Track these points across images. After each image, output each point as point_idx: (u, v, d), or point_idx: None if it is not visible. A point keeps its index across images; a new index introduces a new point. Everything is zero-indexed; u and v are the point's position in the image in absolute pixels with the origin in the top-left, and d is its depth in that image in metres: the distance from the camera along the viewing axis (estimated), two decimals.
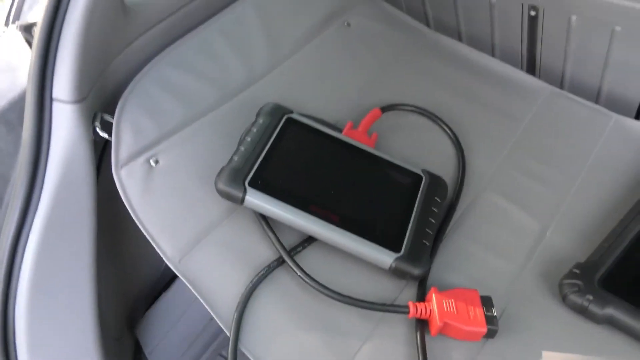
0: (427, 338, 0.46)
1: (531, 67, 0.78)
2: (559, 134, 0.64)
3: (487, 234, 0.55)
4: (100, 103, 0.55)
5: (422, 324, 0.47)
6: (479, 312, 0.46)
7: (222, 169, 0.50)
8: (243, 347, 0.45)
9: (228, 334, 0.46)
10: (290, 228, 0.50)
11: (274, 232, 0.50)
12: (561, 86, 0.76)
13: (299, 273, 0.48)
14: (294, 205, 0.49)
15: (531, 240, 0.54)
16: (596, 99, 0.74)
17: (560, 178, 0.59)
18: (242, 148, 0.52)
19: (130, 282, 0.74)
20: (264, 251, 0.50)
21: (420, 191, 0.54)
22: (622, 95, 0.71)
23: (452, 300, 0.46)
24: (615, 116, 0.65)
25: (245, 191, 0.49)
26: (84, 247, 0.50)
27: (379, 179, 0.54)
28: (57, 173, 0.48)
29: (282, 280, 0.49)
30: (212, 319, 0.75)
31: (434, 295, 0.47)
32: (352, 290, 0.48)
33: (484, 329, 0.45)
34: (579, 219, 0.56)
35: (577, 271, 0.49)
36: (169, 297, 0.77)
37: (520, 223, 0.55)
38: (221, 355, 0.71)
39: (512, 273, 0.52)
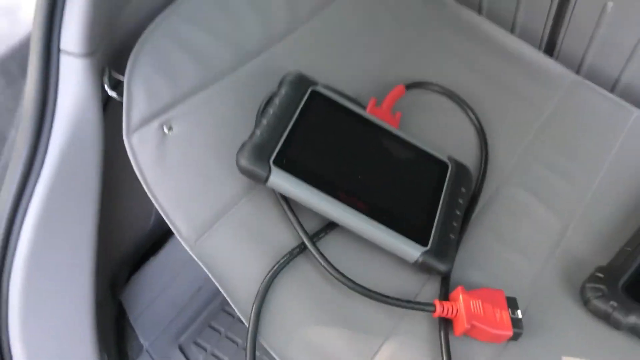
0: (450, 337, 0.45)
1: (549, 50, 0.76)
2: (581, 126, 0.62)
3: (508, 229, 0.53)
4: (108, 58, 0.49)
5: (446, 323, 0.45)
6: (505, 314, 0.45)
7: (244, 144, 0.46)
8: (262, 339, 0.43)
9: (246, 324, 0.43)
10: (310, 211, 0.47)
11: (296, 217, 0.47)
12: (577, 72, 0.74)
13: (323, 264, 0.45)
14: (321, 189, 0.46)
15: (552, 238, 0.53)
16: (612, 89, 0.72)
17: (581, 174, 0.58)
18: (264, 121, 0.48)
19: (114, 243, 0.70)
20: (284, 236, 0.47)
21: (446, 180, 0.52)
22: (639, 89, 0.70)
23: (479, 301, 0.45)
24: (636, 112, 0.64)
25: (270, 170, 0.45)
26: (87, 216, 0.46)
27: (405, 164, 0.51)
28: (64, 134, 0.43)
29: (304, 268, 0.46)
30: (200, 288, 0.73)
31: (461, 296, 0.45)
32: (371, 281, 0.46)
33: (510, 332, 0.44)
34: (599, 218, 0.55)
35: (601, 275, 0.48)
36: (156, 262, 0.74)
37: (541, 219, 0.54)
38: (210, 327, 0.68)
39: (533, 272, 0.50)
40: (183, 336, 0.67)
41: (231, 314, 0.69)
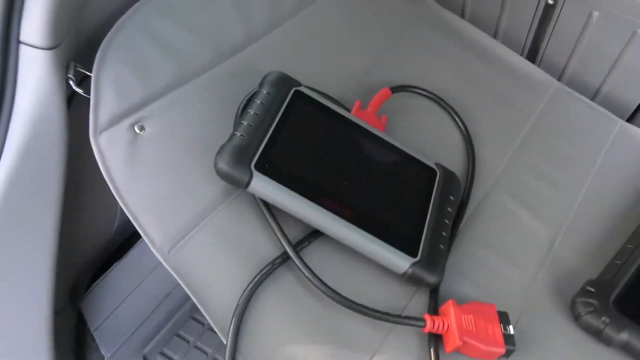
0: (440, 354, 0.43)
1: (532, 57, 0.75)
2: (566, 134, 0.61)
3: (497, 239, 0.51)
4: (74, 51, 0.45)
5: (436, 339, 0.43)
6: (497, 330, 0.43)
7: (223, 147, 0.43)
8: (241, 357, 0.40)
9: (224, 341, 0.40)
10: (293, 218, 0.44)
11: (278, 225, 0.44)
12: (559, 79, 0.73)
13: (307, 275, 0.42)
14: (305, 195, 0.43)
15: (542, 248, 0.51)
16: (593, 97, 0.72)
17: (568, 182, 0.57)
18: (244, 122, 0.45)
19: (75, 248, 0.65)
20: (266, 245, 0.44)
21: (435, 188, 0.50)
22: (620, 97, 0.70)
23: (471, 316, 0.43)
24: (620, 122, 0.64)
25: (251, 175, 0.42)
26: (47, 219, 0.42)
27: (392, 170, 0.49)
28: (22, 131, 0.39)
29: (286, 280, 0.43)
30: (167, 295, 0.69)
31: (452, 310, 0.43)
32: (357, 293, 0.44)
33: (502, 350, 0.42)
34: (587, 228, 0.54)
35: (592, 289, 0.47)
36: (120, 268, 0.70)
37: (530, 229, 0.52)
38: (178, 336, 0.65)
39: (524, 283, 0.49)
40: (148, 346, 0.63)
41: (201, 322, 0.65)
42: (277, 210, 0.44)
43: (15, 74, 0.38)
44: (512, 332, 0.43)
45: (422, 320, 0.42)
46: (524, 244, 0.52)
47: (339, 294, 0.42)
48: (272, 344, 0.40)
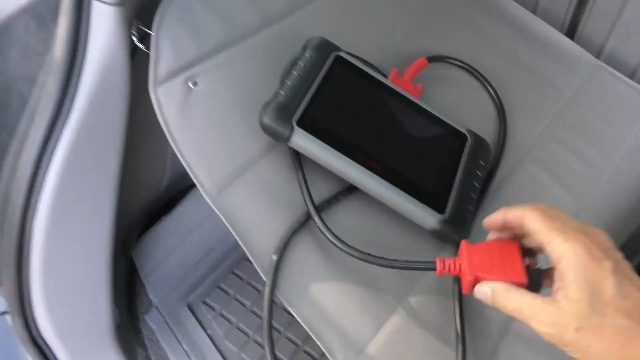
0: (464, 298, 0.45)
1: (571, 33, 0.75)
2: (600, 110, 0.62)
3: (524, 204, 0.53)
4: (136, 10, 0.49)
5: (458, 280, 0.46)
6: (517, 263, 0.39)
7: (267, 103, 0.47)
8: (278, 293, 0.44)
9: (264, 277, 0.44)
10: (330, 173, 0.48)
11: (307, 185, 0.47)
12: (597, 57, 0.74)
13: (327, 235, 0.45)
14: (341, 151, 0.47)
15: None
16: (631, 75, 0.72)
17: (599, 157, 0.58)
18: (288, 82, 0.48)
19: (128, 199, 0.70)
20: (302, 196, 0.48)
21: (465, 151, 0.52)
22: None
23: (487, 252, 0.40)
24: None
25: (292, 130, 0.45)
26: (110, 165, 0.47)
27: (425, 132, 0.52)
28: (92, 81, 0.43)
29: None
30: (211, 250, 0.73)
31: (465, 248, 0.41)
32: (386, 248, 0.46)
33: (523, 280, 0.38)
34: (614, 202, 0.55)
35: None
36: (168, 222, 0.74)
37: (557, 198, 0.54)
38: (219, 288, 0.69)
39: None
40: (192, 295, 0.68)
41: (240, 277, 0.70)
42: (314, 164, 0.48)
43: (88, 27, 0.43)
44: (539, 265, 0.40)
45: (433, 263, 0.42)
46: None
47: (350, 246, 0.44)
48: (305, 285, 0.44)
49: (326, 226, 0.45)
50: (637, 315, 0.32)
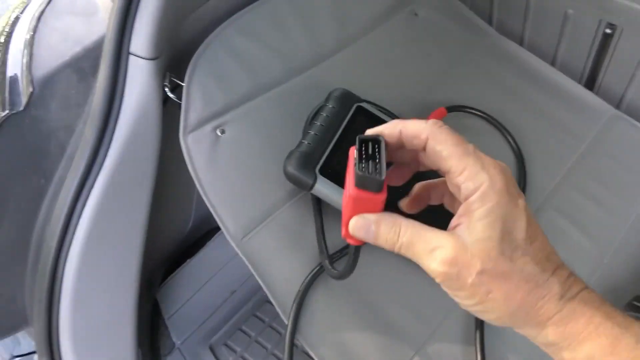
0: (485, 340, 0.45)
1: (590, 85, 0.77)
2: (619, 158, 0.63)
3: None
4: (169, 64, 0.52)
5: (481, 324, 0.46)
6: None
7: (291, 152, 0.49)
8: (299, 336, 0.44)
9: (285, 321, 0.45)
10: None
11: (323, 233, 0.49)
12: (617, 107, 0.74)
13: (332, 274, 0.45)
14: None
15: (589, 264, 0.53)
16: None
17: (620, 204, 0.58)
18: (311, 132, 0.50)
19: (154, 242, 0.72)
20: None
21: None
22: None
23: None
24: None
25: (315, 178, 0.47)
26: (141, 210, 0.49)
27: None
28: (127, 129, 0.46)
29: None
30: (233, 292, 0.74)
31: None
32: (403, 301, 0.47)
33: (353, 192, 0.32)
34: (637, 248, 0.55)
35: (638, 304, 0.49)
36: (193, 265, 0.76)
37: (578, 245, 0.55)
38: (241, 330, 0.70)
39: None
40: (214, 337, 0.69)
41: (262, 319, 0.70)
42: (337, 212, 0.49)
43: (124, 80, 0.46)
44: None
45: None
46: (571, 259, 0.53)
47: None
48: (326, 328, 0.45)
49: (330, 262, 0.45)
50: (541, 258, 0.29)
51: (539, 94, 0.68)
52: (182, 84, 0.51)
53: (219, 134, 0.51)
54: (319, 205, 0.50)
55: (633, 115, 0.69)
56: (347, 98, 0.55)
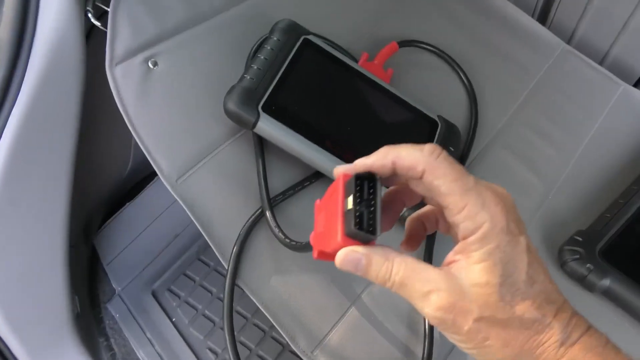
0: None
1: (542, 18, 0.75)
2: (569, 94, 0.62)
3: None
4: None
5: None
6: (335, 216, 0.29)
7: (232, 88, 0.45)
8: (239, 281, 0.42)
9: (225, 266, 0.42)
10: (298, 159, 0.46)
11: (265, 178, 0.46)
12: (569, 42, 0.73)
13: (273, 230, 0.43)
14: (308, 137, 0.45)
15: (535, 200, 0.53)
16: (601, 61, 0.72)
17: (567, 140, 0.58)
18: (254, 66, 0.47)
19: (90, 185, 0.68)
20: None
21: (435, 138, 0.52)
22: (627, 63, 0.70)
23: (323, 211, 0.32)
24: (623, 85, 0.64)
25: (258, 116, 0.44)
26: (63, 150, 0.44)
27: (395, 119, 0.51)
28: (42, 60, 0.41)
29: (286, 214, 0.46)
30: (176, 236, 0.71)
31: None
32: None
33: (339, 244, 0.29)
34: (582, 184, 0.55)
35: (579, 239, 0.49)
36: (132, 208, 0.72)
37: (525, 181, 0.54)
38: (185, 275, 0.68)
39: None
40: (157, 283, 0.66)
41: (206, 263, 0.68)
42: (281, 150, 0.46)
43: (37, 5, 0.40)
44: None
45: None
46: (518, 195, 0.53)
47: (296, 242, 0.41)
48: (268, 273, 0.43)
49: (275, 221, 0.43)
50: (542, 301, 0.27)
51: (492, 28, 0.66)
52: (108, 10, 0.45)
53: (151, 66, 0.46)
54: (261, 145, 0.47)
55: (583, 50, 0.68)
56: (293, 30, 0.51)
